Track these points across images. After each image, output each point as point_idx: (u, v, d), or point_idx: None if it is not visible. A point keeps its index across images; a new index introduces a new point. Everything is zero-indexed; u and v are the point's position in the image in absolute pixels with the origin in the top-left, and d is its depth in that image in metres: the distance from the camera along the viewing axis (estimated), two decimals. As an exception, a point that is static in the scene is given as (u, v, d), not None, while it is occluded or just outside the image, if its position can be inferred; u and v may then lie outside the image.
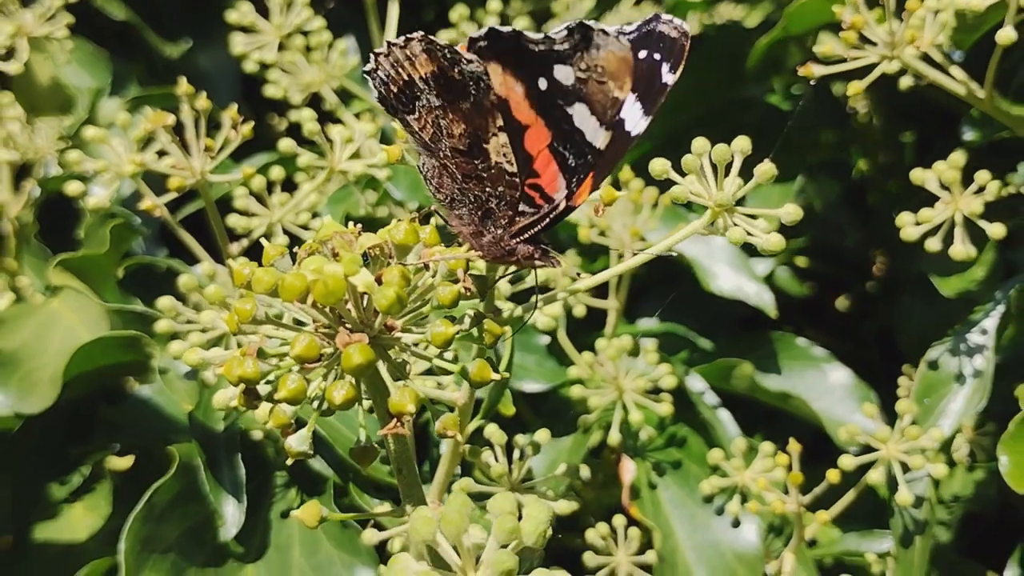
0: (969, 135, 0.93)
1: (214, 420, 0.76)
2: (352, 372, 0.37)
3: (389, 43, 0.49)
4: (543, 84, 0.46)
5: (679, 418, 0.95)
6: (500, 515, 0.35)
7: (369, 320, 0.39)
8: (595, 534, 0.85)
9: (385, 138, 1.05)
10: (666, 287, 1.14)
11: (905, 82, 0.84)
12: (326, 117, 1.10)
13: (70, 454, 0.95)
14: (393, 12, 1.10)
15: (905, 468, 0.78)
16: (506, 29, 0.45)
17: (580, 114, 0.47)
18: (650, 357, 0.93)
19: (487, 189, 0.49)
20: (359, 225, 0.42)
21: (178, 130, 0.72)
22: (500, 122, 0.47)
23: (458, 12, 1.08)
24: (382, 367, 0.40)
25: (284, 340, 0.40)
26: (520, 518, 0.36)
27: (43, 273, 0.94)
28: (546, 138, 0.47)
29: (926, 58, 0.78)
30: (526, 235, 0.49)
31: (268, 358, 0.40)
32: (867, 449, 0.81)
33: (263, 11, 1.06)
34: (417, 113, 0.49)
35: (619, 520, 0.86)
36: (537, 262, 0.49)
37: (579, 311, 0.97)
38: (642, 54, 0.48)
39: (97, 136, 0.77)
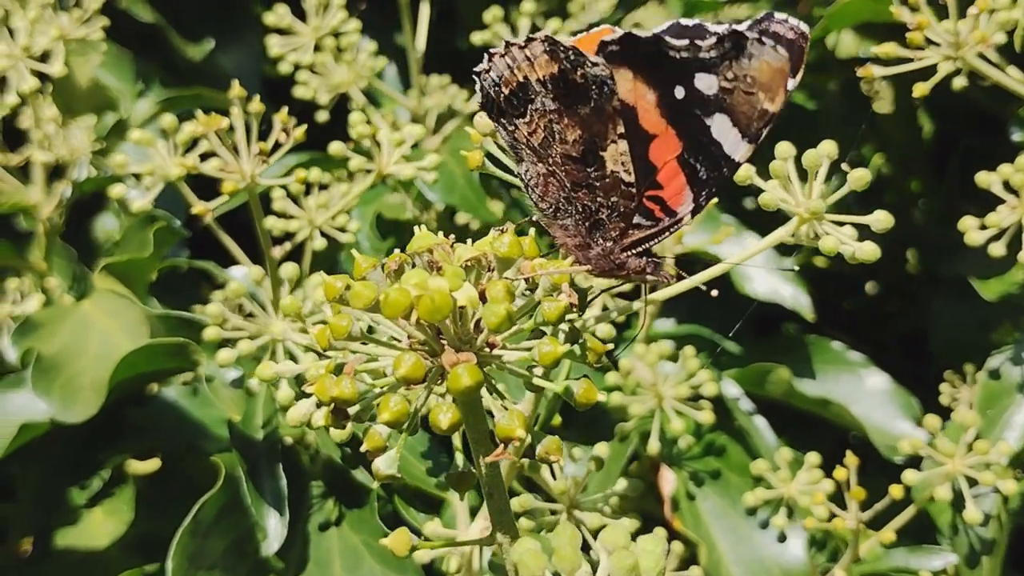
0: (1018, 136, 0.91)
1: (253, 428, 0.74)
2: (459, 394, 0.35)
3: (507, 43, 0.47)
4: (680, 93, 0.43)
5: (715, 425, 0.93)
6: (615, 550, 0.33)
7: (468, 337, 0.37)
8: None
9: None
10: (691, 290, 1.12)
11: (959, 83, 0.82)
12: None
13: (98, 458, 0.93)
14: (424, 12, 1.09)
15: (971, 484, 0.76)
16: (645, 34, 0.43)
17: (720, 125, 0.44)
18: (690, 364, 0.91)
19: (598, 199, 0.46)
20: (452, 236, 0.40)
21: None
22: (621, 129, 0.45)
23: (492, 13, 1.07)
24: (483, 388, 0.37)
25: (370, 356, 0.38)
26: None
27: (68, 274, 0.93)
28: (676, 149, 0.44)
29: (982, 58, 0.76)
30: (638, 248, 0.47)
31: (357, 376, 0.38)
32: (916, 460, 0.79)
33: (296, 13, 1.05)
34: (528, 116, 0.47)
35: (659, 532, 0.83)
36: (649, 276, 0.47)
37: (620, 317, 0.95)
38: None
39: (144, 139, 0.75)
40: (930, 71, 0.75)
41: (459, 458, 0.40)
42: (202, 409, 0.89)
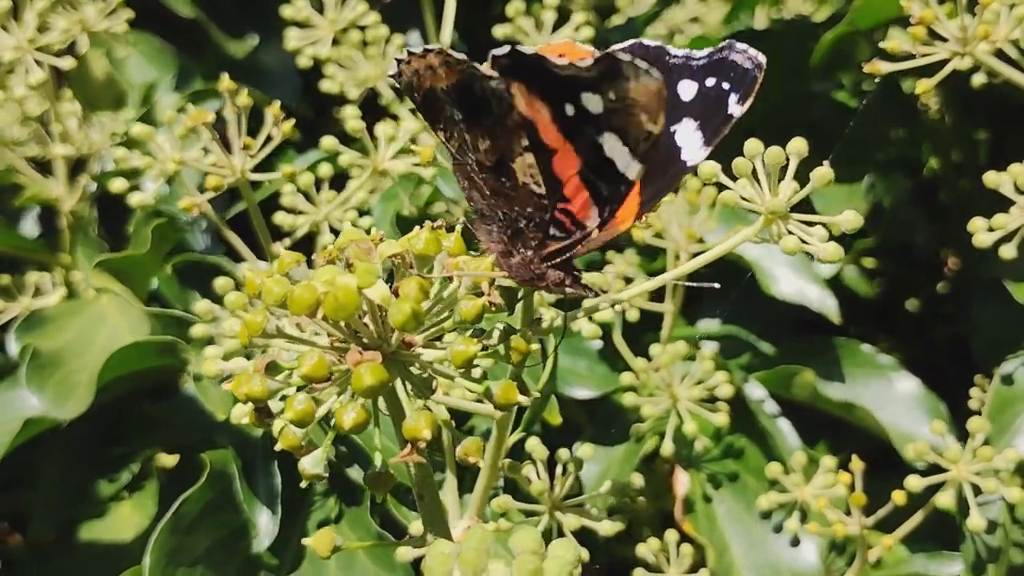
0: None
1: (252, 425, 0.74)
2: (363, 393, 0.34)
3: (409, 52, 0.46)
4: (570, 110, 0.42)
5: (736, 427, 0.92)
6: (521, 554, 0.32)
7: (386, 336, 0.36)
8: (646, 549, 0.82)
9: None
10: (726, 289, 1.11)
11: (978, 80, 0.80)
12: (381, 112, 1.09)
13: (114, 454, 0.94)
14: (450, 6, 1.08)
15: (977, 491, 0.74)
16: (529, 50, 0.41)
17: (611, 144, 0.42)
18: (706, 365, 0.89)
19: (515, 208, 0.46)
20: (381, 232, 0.39)
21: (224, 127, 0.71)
22: (525, 142, 0.44)
23: (514, 7, 1.06)
24: (400, 387, 0.37)
25: (301, 355, 0.38)
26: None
27: (96, 268, 0.93)
28: (576, 164, 0.43)
29: (1000, 54, 0.74)
30: (557, 260, 0.46)
31: (282, 371, 0.38)
32: (935, 467, 0.77)
33: (320, 8, 1.05)
34: (443, 124, 0.47)
35: (671, 535, 0.82)
36: (568, 289, 0.46)
37: (632, 315, 0.94)
38: (710, 82, 0.46)
39: (144, 133, 0.75)
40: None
41: (377, 458, 0.39)
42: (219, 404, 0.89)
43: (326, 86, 1.08)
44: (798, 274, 0.99)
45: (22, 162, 1.01)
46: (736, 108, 0.46)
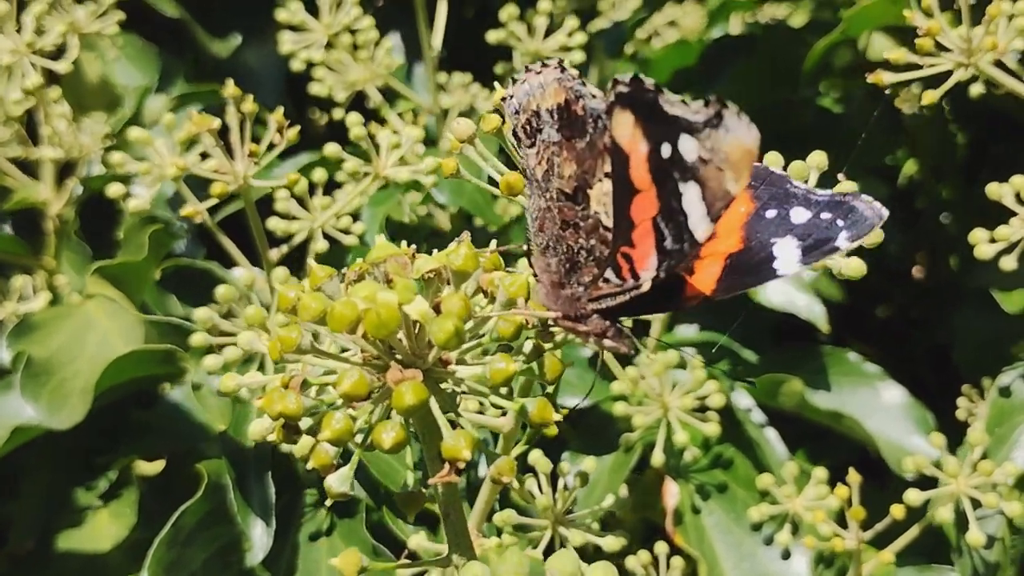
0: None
1: (244, 435, 0.73)
2: (404, 412, 0.33)
3: (527, 68, 0.46)
4: (667, 151, 0.40)
5: (725, 437, 0.91)
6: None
7: (422, 352, 0.36)
8: (636, 562, 0.81)
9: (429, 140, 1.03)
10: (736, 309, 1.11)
11: (976, 90, 0.80)
12: (369, 115, 1.09)
13: (98, 462, 0.92)
14: (442, 10, 1.07)
15: (976, 505, 0.73)
16: (650, 81, 0.40)
17: (691, 195, 0.41)
18: (697, 375, 0.89)
19: (580, 240, 0.45)
20: (413, 247, 0.39)
21: (223, 132, 0.70)
22: (607, 168, 0.43)
23: (507, 12, 1.06)
24: (434, 404, 0.36)
25: (328, 370, 0.37)
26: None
27: (82, 271, 0.92)
28: (653, 209, 0.42)
29: (999, 64, 0.74)
30: (604, 305, 0.45)
31: (310, 387, 0.37)
32: (928, 479, 0.77)
33: (311, 10, 1.04)
34: (537, 147, 0.46)
35: (661, 547, 0.82)
36: (607, 341, 0.46)
37: (626, 322, 0.94)
38: (825, 215, 0.46)
39: (141, 138, 0.74)
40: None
41: (410, 477, 0.38)
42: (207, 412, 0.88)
43: (315, 89, 1.08)
44: (786, 283, 0.99)
45: (8, 164, 0.99)
46: (844, 243, 0.46)
